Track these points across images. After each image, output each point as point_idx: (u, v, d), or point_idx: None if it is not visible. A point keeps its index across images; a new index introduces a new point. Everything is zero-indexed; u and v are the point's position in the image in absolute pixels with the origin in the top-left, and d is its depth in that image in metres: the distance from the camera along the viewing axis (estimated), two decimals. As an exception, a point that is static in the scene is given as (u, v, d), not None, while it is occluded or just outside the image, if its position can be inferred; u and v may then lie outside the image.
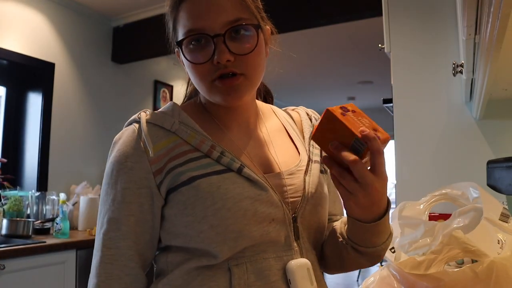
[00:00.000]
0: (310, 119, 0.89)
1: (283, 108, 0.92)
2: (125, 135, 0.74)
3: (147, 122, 0.73)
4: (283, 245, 0.71)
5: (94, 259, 0.72)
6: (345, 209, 0.71)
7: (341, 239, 0.76)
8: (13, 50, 2.69)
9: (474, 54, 1.10)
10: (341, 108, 0.66)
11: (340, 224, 0.78)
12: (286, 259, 0.70)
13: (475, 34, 0.94)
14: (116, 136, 0.76)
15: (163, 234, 0.74)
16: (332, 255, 0.79)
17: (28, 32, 2.79)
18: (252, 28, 0.72)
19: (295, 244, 0.72)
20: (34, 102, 2.90)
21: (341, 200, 0.70)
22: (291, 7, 2.64)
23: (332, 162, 0.64)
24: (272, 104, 0.93)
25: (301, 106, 0.93)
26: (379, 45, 1.85)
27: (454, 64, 1.33)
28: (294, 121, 0.89)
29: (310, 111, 0.92)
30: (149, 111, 0.76)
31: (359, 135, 0.61)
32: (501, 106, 1.55)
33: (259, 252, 0.69)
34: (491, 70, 0.91)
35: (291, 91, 5.47)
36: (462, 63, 1.26)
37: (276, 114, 0.89)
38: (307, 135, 0.85)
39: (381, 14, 1.83)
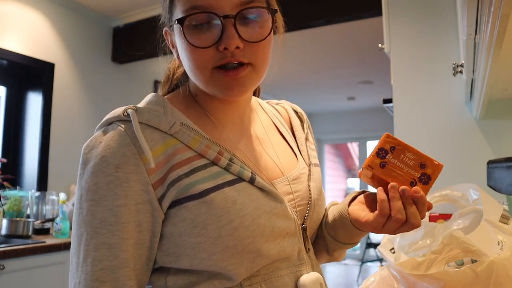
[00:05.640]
0: (301, 120, 0.82)
1: (266, 101, 0.84)
2: (108, 138, 0.59)
3: (139, 122, 0.60)
4: (295, 260, 0.66)
5: None
6: (359, 221, 0.67)
7: (323, 230, 0.76)
8: (13, 50, 2.69)
9: (474, 54, 1.10)
10: (377, 153, 0.64)
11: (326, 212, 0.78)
12: (299, 274, 0.65)
13: (475, 34, 0.94)
14: (90, 141, 0.60)
15: (160, 255, 0.62)
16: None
17: (28, 32, 2.79)
18: (267, 12, 0.62)
19: (307, 257, 0.67)
20: (34, 102, 2.90)
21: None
22: (290, 7, 2.64)
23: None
24: (258, 97, 0.84)
25: (284, 100, 0.86)
26: (379, 45, 1.85)
27: (454, 64, 1.33)
28: (282, 117, 0.82)
29: (297, 108, 0.85)
30: (137, 108, 0.62)
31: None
32: (501, 106, 1.55)
33: (273, 270, 0.63)
34: (491, 70, 0.91)
35: (291, 91, 5.47)
36: (462, 63, 1.26)
37: (263, 109, 0.80)
38: (299, 134, 0.79)
39: (381, 14, 1.83)
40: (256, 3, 0.61)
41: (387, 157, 0.63)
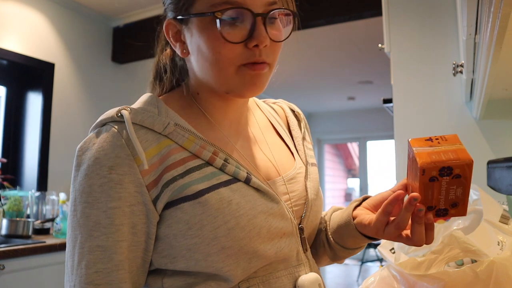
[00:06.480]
0: (298, 119, 0.82)
1: (263, 100, 0.84)
2: (102, 140, 0.58)
3: (133, 123, 0.59)
4: (294, 260, 0.65)
5: None
6: (362, 224, 0.66)
7: (324, 234, 0.76)
8: (13, 50, 2.69)
9: (474, 54, 1.10)
10: (441, 168, 0.55)
11: (327, 217, 0.77)
12: (297, 275, 0.65)
13: (475, 34, 0.94)
14: (84, 143, 0.60)
15: (155, 257, 0.61)
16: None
17: (28, 32, 2.79)
18: (291, 15, 0.65)
19: (304, 258, 0.67)
20: (34, 102, 2.90)
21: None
22: (291, 7, 2.64)
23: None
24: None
25: (281, 99, 0.86)
26: (379, 45, 1.85)
27: (454, 64, 1.33)
28: (279, 116, 0.81)
29: (294, 107, 0.84)
30: (130, 108, 0.61)
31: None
32: (501, 106, 1.55)
33: (271, 271, 0.63)
34: (491, 70, 0.91)
35: (291, 91, 5.47)
36: (462, 63, 1.26)
37: (260, 108, 0.80)
38: (296, 133, 0.78)
39: (381, 14, 1.83)
40: (284, 5, 0.63)
41: (444, 178, 0.56)
